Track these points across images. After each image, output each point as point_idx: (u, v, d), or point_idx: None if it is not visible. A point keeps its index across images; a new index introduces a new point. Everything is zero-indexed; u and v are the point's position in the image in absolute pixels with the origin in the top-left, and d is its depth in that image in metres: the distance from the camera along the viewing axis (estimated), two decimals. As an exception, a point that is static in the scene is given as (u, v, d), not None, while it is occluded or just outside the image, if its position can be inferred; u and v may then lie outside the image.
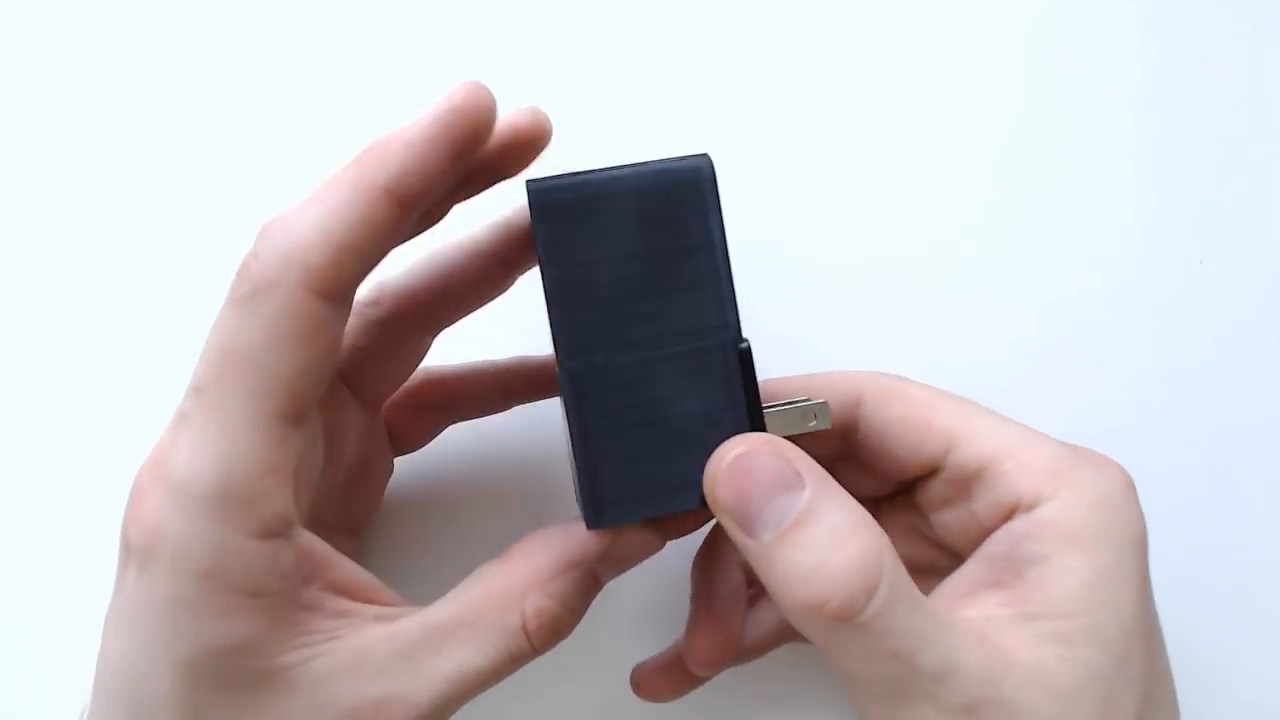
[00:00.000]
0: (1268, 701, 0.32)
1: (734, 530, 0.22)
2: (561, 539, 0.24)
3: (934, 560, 0.27)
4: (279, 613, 0.21)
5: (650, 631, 0.31)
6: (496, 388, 0.30)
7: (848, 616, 0.20)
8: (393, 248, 0.23)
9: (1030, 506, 0.24)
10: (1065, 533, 0.23)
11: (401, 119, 0.34)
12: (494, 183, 0.25)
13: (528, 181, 0.23)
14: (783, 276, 0.33)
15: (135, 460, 0.22)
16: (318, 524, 0.24)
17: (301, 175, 0.32)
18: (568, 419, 0.24)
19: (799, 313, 0.33)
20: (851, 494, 0.23)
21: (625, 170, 0.23)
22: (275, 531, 0.21)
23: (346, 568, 0.23)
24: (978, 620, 0.23)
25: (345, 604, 0.23)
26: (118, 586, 0.22)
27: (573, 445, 0.24)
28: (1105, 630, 0.22)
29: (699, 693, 0.29)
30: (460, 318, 0.28)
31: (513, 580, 0.23)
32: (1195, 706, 0.27)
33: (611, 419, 0.23)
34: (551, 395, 0.30)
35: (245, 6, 0.34)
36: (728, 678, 0.29)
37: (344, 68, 0.34)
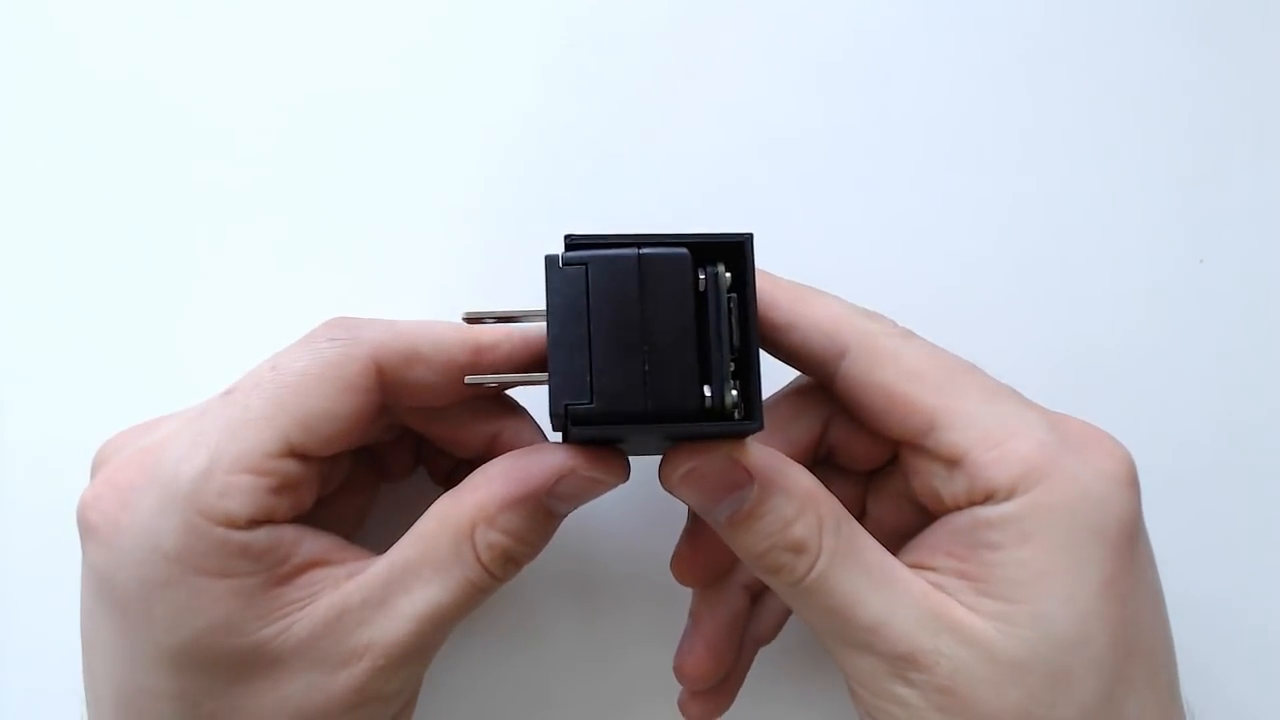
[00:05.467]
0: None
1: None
2: (511, 471, 0.24)
3: (921, 525, 0.28)
4: (253, 592, 0.22)
5: (651, 625, 0.32)
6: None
7: (793, 583, 0.24)
8: (443, 404, 0.26)
9: (1003, 499, 0.24)
10: (1024, 530, 0.23)
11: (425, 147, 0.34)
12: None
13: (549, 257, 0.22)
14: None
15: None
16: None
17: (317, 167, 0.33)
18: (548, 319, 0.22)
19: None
20: (851, 454, 0.28)
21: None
22: (243, 527, 0.22)
23: (311, 539, 0.24)
24: (924, 582, 0.24)
25: (318, 572, 0.23)
26: (85, 577, 0.23)
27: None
28: (1053, 617, 0.23)
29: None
30: None
31: (462, 514, 0.24)
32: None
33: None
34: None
35: (260, 17, 0.35)
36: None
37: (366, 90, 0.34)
